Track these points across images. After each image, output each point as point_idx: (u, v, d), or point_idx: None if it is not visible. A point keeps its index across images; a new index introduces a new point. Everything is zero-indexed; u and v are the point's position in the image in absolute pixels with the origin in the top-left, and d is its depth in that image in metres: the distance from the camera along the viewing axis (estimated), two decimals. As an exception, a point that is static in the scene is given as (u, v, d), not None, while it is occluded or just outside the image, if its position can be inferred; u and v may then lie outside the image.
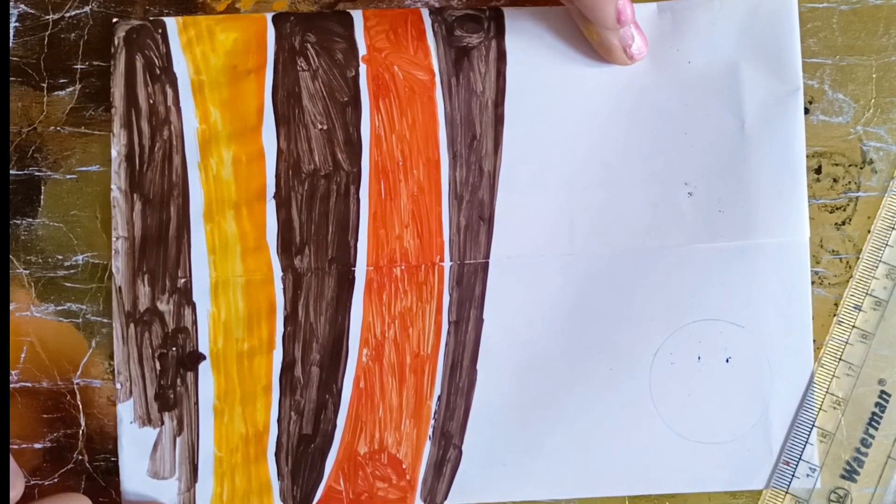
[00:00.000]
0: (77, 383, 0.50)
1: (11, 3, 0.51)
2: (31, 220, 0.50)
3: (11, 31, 0.51)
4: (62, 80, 0.51)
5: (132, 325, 0.50)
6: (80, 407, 0.50)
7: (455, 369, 0.50)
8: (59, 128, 0.51)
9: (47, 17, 0.51)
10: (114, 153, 0.50)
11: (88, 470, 0.50)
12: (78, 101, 0.51)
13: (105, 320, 0.50)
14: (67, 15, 0.51)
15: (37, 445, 0.50)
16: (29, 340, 0.50)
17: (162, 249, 0.50)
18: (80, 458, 0.50)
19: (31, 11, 0.51)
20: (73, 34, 0.51)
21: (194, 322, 0.50)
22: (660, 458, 0.49)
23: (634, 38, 0.48)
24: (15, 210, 0.50)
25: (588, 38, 0.48)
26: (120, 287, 0.50)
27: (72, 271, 0.50)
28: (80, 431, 0.50)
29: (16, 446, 0.50)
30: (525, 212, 0.50)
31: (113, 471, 0.50)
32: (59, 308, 0.50)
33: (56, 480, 0.50)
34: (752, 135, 0.49)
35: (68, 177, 0.51)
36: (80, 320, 0.50)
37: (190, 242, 0.50)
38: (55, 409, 0.50)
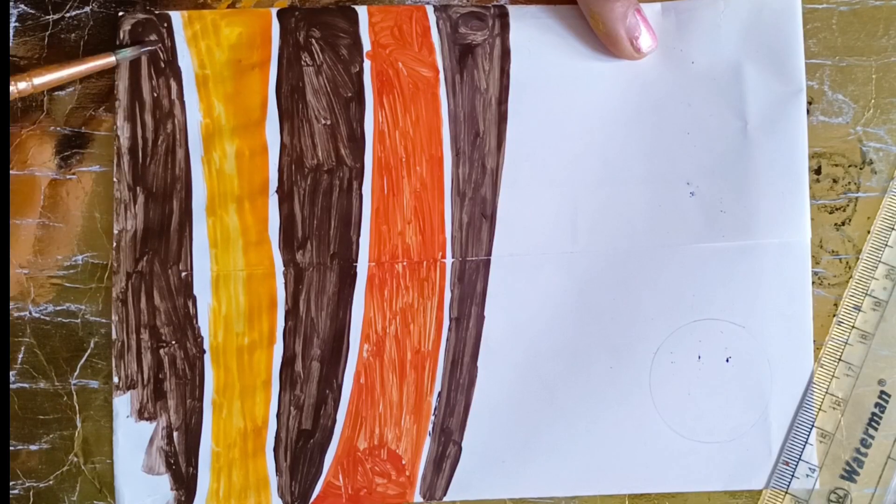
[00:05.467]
0: (74, 384, 0.50)
1: (11, 3, 0.51)
2: (30, 220, 0.50)
3: (11, 31, 0.51)
4: (63, 80, 0.51)
5: (131, 319, 0.49)
6: (77, 408, 0.50)
7: (456, 366, 0.50)
8: (59, 128, 0.51)
9: (47, 17, 0.51)
10: (117, 146, 0.50)
11: (84, 472, 0.50)
12: (78, 101, 0.51)
13: (104, 321, 0.50)
14: (67, 15, 0.51)
15: (32, 447, 0.50)
16: (27, 341, 0.50)
17: (164, 242, 0.50)
18: (76, 459, 0.50)
19: (31, 11, 0.51)
20: (73, 34, 0.51)
21: (195, 315, 0.50)
22: (659, 457, 0.49)
23: (641, 31, 0.48)
24: (15, 210, 0.50)
25: (594, 28, 0.49)
26: (120, 280, 0.49)
27: (71, 271, 0.50)
28: (76, 433, 0.50)
29: (12, 447, 0.49)
30: (527, 209, 0.50)
31: (108, 473, 0.49)
32: (58, 308, 0.50)
33: (51, 482, 0.50)
34: (754, 135, 0.49)
35: (68, 177, 0.50)
36: (79, 321, 0.50)
37: (192, 236, 0.50)
38: (52, 410, 0.50)
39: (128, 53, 0.50)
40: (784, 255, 0.49)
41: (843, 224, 0.50)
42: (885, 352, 0.49)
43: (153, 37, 0.50)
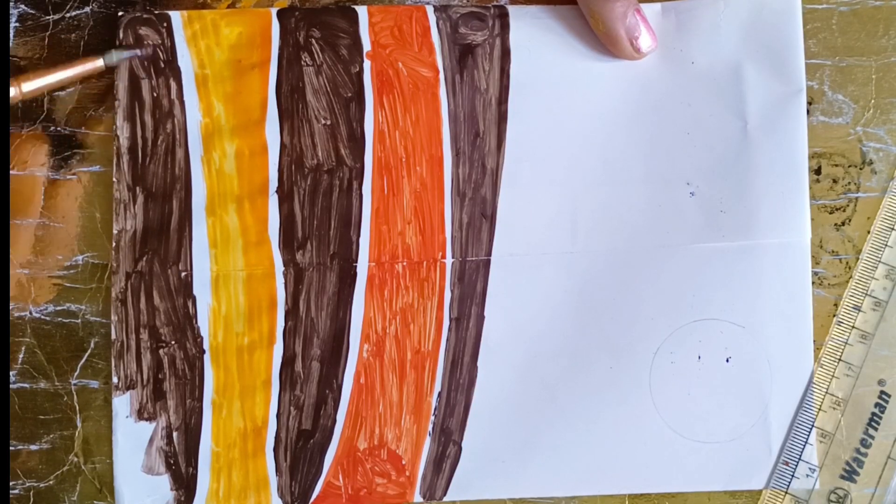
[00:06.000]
0: (74, 384, 0.50)
1: (11, 3, 0.51)
2: (30, 220, 0.50)
3: (11, 31, 0.51)
4: (63, 81, 0.51)
5: (131, 319, 0.49)
6: (77, 408, 0.50)
7: (456, 366, 0.50)
8: (59, 128, 0.51)
9: (47, 17, 0.51)
10: (116, 146, 0.50)
11: (84, 472, 0.50)
12: (78, 101, 0.51)
13: (104, 321, 0.50)
14: (67, 15, 0.51)
15: (33, 447, 0.50)
16: (27, 341, 0.50)
17: (163, 242, 0.50)
18: (76, 459, 0.50)
19: (31, 11, 0.51)
20: (73, 34, 0.51)
21: (194, 315, 0.50)
22: (659, 457, 0.49)
23: (641, 31, 0.48)
24: (15, 210, 0.50)
25: (594, 28, 0.49)
26: (120, 280, 0.49)
27: (71, 271, 0.50)
28: (76, 433, 0.50)
29: (12, 447, 0.49)
30: (527, 209, 0.50)
31: (108, 473, 0.49)
32: (58, 308, 0.50)
33: (52, 482, 0.50)
34: (754, 135, 0.49)
35: (68, 177, 0.50)
36: (80, 321, 0.50)
37: (191, 236, 0.50)
38: (52, 410, 0.50)
39: (116, 57, 0.50)
40: (784, 255, 0.49)
41: (843, 224, 0.50)
42: (885, 352, 0.49)
43: (148, 42, 0.50)
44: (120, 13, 0.50)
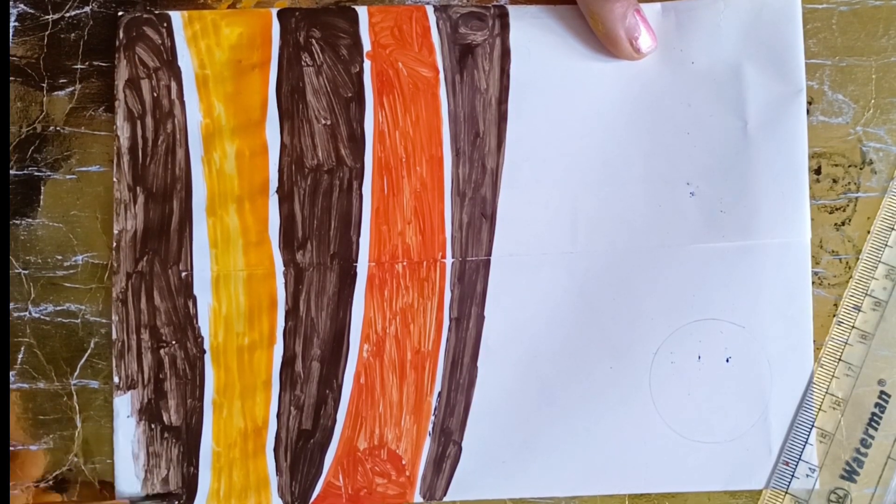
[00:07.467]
0: (74, 384, 0.50)
1: (11, 3, 0.51)
2: (30, 220, 0.50)
3: (11, 31, 0.51)
4: (62, 80, 0.51)
5: (132, 319, 0.49)
6: (77, 409, 0.50)
7: (456, 366, 0.50)
8: (59, 128, 0.51)
9: (47, 17, 0.51)
10: (117, 146, 0.50)
11: (84, 472, 0.50)
12: (78, 101, 0.51)
13: (104, 321, 0.50)
14: (67, 15, 0.51)
15: (32, 447, 0.50)
16: (27, 341, 0.50)
17: (164, 242, 0.50)
18: (76, 459, 0.50)
19: (31, 11, 0.51)
20: (73, 34, 0.51)
21: (195, 316, 0.50)
22: (659, 457, 0.49)
23: (641, 31, 0.48)
24: (15, 210, 0.50)
25: (594, 29, 0.49)
26: (120, 280, 0.49)
27: (71, 271, 0.50)
28: (76, 433, 0.50)
29: (11, 447, 0.49)
30: (527, 209, 0.50)
31: (108, 473, 0.49)
32: (58, 308, 0.50)
33: (51, 482, 0.50)
34: (754, 135, 0.49)
35: (68, 177, 0.50)
36: (79, 321, 0.50)
37: (192, 236, 0.50)
38: (52, 410, 0.50)
39: None
40: (784, 255, 0.49)
41: (843, 224, 0.50)
42: (885, 352, 0.49)
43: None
44: (120, 13, 0.50)
